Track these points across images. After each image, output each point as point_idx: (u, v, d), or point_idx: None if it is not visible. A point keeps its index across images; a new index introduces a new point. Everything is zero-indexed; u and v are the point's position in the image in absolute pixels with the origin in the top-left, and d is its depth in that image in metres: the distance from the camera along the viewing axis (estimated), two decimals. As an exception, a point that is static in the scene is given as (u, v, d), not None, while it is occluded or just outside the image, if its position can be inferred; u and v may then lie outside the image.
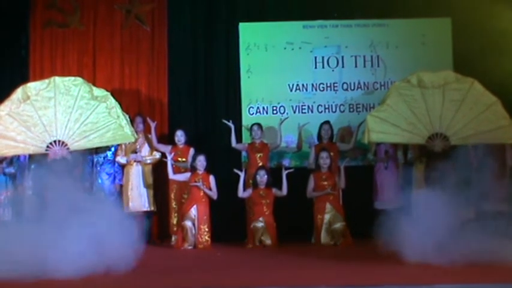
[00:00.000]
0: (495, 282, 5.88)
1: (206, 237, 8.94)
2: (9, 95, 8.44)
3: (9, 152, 8.39)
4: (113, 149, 9.41)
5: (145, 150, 9.57)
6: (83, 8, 10.47)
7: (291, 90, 10.35)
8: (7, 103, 8.32)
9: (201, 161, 9.08)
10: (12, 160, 8.97)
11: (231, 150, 9.74)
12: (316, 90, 10.37)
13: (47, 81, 8.46)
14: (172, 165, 9.26)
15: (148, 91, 10.46)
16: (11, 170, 9.05)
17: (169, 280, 6.48)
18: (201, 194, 9.05)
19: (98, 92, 8.52)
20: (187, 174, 9.14)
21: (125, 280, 6.34)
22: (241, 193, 9.20)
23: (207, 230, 8.96)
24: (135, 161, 9.38)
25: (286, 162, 10.08)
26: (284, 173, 9.25)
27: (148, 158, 9.50)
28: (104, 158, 9.47)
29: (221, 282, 6.37)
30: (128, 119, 8.69)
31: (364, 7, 10.43)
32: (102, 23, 10.49)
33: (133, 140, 8.71)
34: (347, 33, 10.47)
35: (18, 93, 8.34)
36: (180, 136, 9.48)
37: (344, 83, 10.35)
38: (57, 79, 8.47)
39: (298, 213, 9.37)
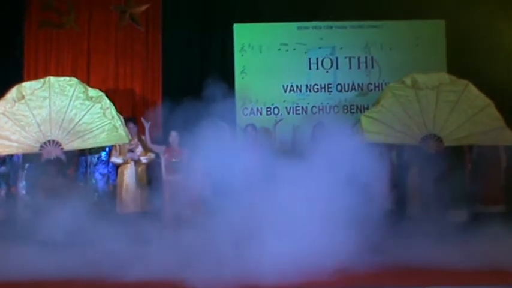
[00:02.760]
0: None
1: None
2: (3, 94, 8.45)
3: (3, 151, 8.41)
4: (107, 149, 9.36)
5: (139, 151, 9.55)
6: (77, 8, 10.49)
7: (285, 91, 10.37)
8: (2, 102, 8.36)
9: None
10: (4, 159, 8.94)
11: (225, 151, 9.72)
12: (310, 91, 10.39)
13: (42, 81, 8.51)
14: (165, 165, 9.25)
15: (143, 91, 10.48)
16: (3, 169, 9.02)
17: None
18: None
19: (93, 92, 8.56)
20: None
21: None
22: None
23: None
24: (131, 160, 9.32)
25: None
26: None
27: (144, 157, 9.47)
28: (97, 158, 9.42)
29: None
30: (123, 120, 8.70)
31: (358, 8, 10.43)
32: (97, 24, 10.51)
33: (127, 141, 8.72)
34: (341, 34, 10.50)
35: (13, 92, 8.38)
36: (174, 137, 9.44)
37: (338, 84, 10.38)
38: (52, 79, 8.51)
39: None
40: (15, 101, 8.31)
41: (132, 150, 9.36)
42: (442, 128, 8.55)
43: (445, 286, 5.91)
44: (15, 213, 8.80)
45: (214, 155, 6.97)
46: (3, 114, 8.27)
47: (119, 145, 9.20)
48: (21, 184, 8.87)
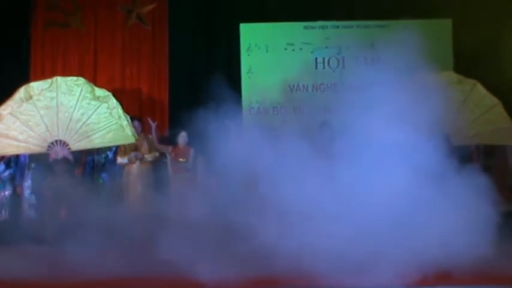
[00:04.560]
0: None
1: None
2: (10, 94, 8.48)
3: (11, 151, 8.45)
4: (113, 149, 9.36)
5: (144, 149, 9.54)
6: (84, 8, 10.52)
7: (292, 91, 10.32)
8: (10, 103, 8.39)
9: None
10: (10, 161, 8.95)
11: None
12: (316, 90, 10.35)
13: (49, 81, 8.56)
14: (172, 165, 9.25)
15: (149, 91, 10.50)
16: (8, 173, 9.00)
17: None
18: None
19: (100, 92, 8.60)
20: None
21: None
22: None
23: None
24: (136, 159, 9.32)
25: None
26: None
27: (148, 156, 9.47)
28: (104, 158, 9.42)
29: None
30: (129, 120, 8.72)
31: (365, 8, 10.41)
32: (103, 24, 10.54)
33: (134, 140, 8.75)
34: (348, 34, 10.45)
35: (21, 92, 8.42)
36: (183, 137, 9.43)
37: (345, 83, 10.32)
38: (60, 79, 8.55)
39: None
40: (23, 101, 8.36)
41: (136, 149, 9.37)
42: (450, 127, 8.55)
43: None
44: (20, 213, 8.83)
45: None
46: (11, 114, 8.32)
47: (124, 146, 9.21)
48: (27, 184, 8.89)
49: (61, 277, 6.16)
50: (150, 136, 9.49)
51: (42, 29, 10.47)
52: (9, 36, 10.14)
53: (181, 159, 9.41)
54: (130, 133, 8.62)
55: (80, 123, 8.41)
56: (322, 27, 10.47)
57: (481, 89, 8.71)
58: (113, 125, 8.51)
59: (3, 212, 8.93)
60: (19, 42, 10.34)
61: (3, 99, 8.54)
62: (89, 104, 8.48)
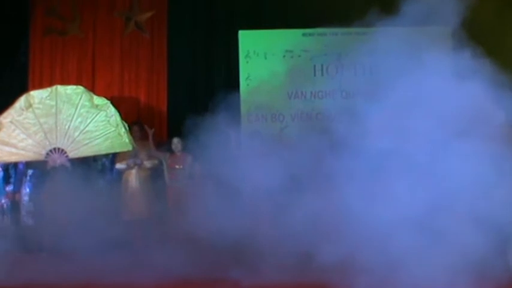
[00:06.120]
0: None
1: None
2: (8, 101, 8.55)
3: (9, 159, 8.50)
4: (110, 156, 9.36)
5: (143, 155, 9.52)
6: (82, 15, 10.52)
7: (290, 98, 10.31)
8: (10, 111, 8.47)
9: None
10: (8, 168, 8.99)
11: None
12: (315, 97, 10.33)
13: (49, 89, 8.62)
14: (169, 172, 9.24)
15: (148, 98, 10.49)
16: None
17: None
18: None
19: (99, 100, 8.64)
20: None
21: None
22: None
23: None
24: (134, 165, 9.31)
25: None
26: None
27: (147, 162, 9.44)
28: (101, 165, 9.43)
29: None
30: (127, 127, 8.74)
31: (363, 15, 10.38)
32: (102, 31, 10.55)
33: (130, 148, 8.77)
34: (347, 41, 10.43)
35: (21, 101, 8.50)
36: (176, 143, 9.42)
37: (343, 91, 10.32)
38: (60, 88, 8.61)
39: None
40: (23, 110, 8.41)
41: (136, 156, 9.36)
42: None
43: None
44: (19, 219, 8.84)
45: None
46: (11, 122, 8.38)
47: (123, 152, 9.20)
48: (25, 191, 8.90)
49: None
50: (148, 142, 9.49)
51: (40, 35, 10.47)
52: (8, 42, 10.16)
53: (177, 166, 9.38)
54: (127, 140, 8.65)
55: (78, 131, 8.44)
56: (321, 34, 10.44)
57: (480, 95, 8.69)
58: (110, 132, 8.54)
59: (5, 217, 8.96)
60: (18, 48, 10.35)
61: (1, 105, 8.56)
62: (87, 112, 8.52)
